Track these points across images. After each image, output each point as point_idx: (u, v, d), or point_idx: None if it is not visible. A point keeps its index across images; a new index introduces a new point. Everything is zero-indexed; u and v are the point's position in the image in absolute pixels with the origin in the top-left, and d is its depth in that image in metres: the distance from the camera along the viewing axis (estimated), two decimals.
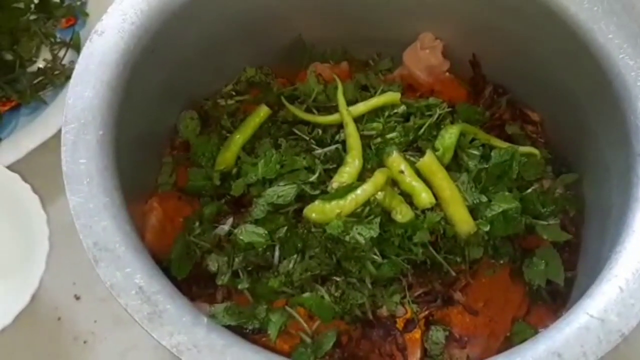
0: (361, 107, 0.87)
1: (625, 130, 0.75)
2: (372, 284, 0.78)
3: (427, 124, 0.86)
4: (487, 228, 0.78)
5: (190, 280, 0.81)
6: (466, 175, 0.82)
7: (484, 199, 0.80)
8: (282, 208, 0.80)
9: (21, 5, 1.12)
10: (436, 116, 0.88)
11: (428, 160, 0.80)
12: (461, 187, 0.81)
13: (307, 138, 0.87)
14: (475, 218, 0.80)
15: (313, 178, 0.81)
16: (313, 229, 0.78)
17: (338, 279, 0.78)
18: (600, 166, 0.82)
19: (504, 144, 0.87)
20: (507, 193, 0.81)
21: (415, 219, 0.78)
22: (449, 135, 0.84)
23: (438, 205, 0.80)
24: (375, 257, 0.77)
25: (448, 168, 0.82)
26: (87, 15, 1.15)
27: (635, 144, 0.74)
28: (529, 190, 0.84)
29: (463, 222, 0.79)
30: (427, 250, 0.78)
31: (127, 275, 0.66)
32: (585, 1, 0.79)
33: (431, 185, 0.80)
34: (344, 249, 0.76)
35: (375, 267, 0.77)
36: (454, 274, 0.80)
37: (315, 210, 0.78)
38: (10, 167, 0.94)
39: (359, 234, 0.75)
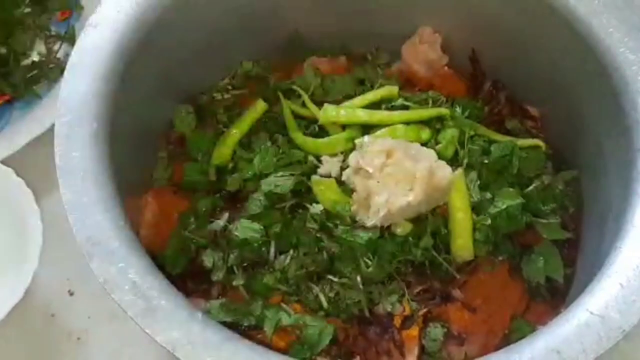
0: (359, 101, 0.87)
1: (626, 125, 0.74)
2: (367, 283, 0.77)
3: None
4: (488, 222, 0.78)
5: (185, 276, 0.81)
6: (475, 173, 0.82)
7: (488, 195, 0.80)
8: (278, 203, 0.79)
9: None
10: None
11: (456, 177, 0.80)
12: (469, 184, 0.80)
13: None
14: (478, 215, 0.80)
15: (306, 167, 0.82)
16: (307, 224, 0.77)
17: (333, 278, 0.78)
18: (600, 161, 0.82)
19: (505, 138, 0.86)
20: (510, 189, 0.80)
21: (414, 229, 0.77)
22: (451, 129, 0.84)
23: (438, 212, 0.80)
24: (367, 260, 0.76)
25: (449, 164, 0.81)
26: (82, 8, 1.14)
27: (635, 139, 0.73)
28: (530, 188, 0.83)
29: (464, 248, 0.79)
30: (427, 252, 0.78)
31: (121, 271, 0.65)
32: None
33: (448, 201, 0.80)
34: (339, 248, 0.76)
35: (367, 267, 0.76)
36: (456, 275, 0.80)
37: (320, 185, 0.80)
38: (3, 162, 0.94)
39: (355, 235, 0.75)
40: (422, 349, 0.79)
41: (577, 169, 0.88)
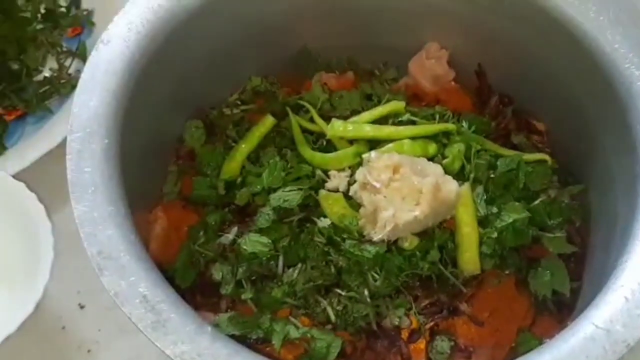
0: (366, 116, 0.87)
1: (631, 139, 0.75)
2: (374, 297, 0.78)
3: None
4: (495, 236, 0.78)
5: (195, 290, 0.81)
6: (481, 187, 0.82)
7: (495, 209, 0.80)
8: (286, 217, 0.80)
9: (28, 14, 1.13)
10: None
11: (463, 192, 0.80)
12: (476, 198, 0.81)
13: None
14: (484, 229, 0.80)
15: (314, 182, 0.82)
16: (315, 239, 0.78)
17: (341, 291, 0.78)
18: (606, 175, 0.82)
19: (511, 152, 0.87)
20: (516, 203, 0.81)
21: (421, 243, 0.78)
22: (458, 144, 0.84)
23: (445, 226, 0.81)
24: (374, 274, 0.77)
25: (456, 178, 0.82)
26: (93, 24, 1.15)
27: None
28: (537, 202, 0.83)
29: (470, 262, 0.79)
30: (434, 266, 0.78)
31: (132, 284, 0.66)
32: (591, 11, 0.79)
33: (455, 215, 0.80)
34: (346, 262, 0.77)
35: (374, 281, 0.77)
36: (463, 289, 0.80)
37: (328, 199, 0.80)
38: (16, 176, 0.94)
39: (363, 249, 0.76)
40: None
41: (583, 183, 0.88)
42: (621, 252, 0.70)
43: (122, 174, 0.73)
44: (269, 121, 0.89)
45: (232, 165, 0.87)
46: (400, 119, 0.87)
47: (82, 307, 0.96)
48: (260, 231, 0.79)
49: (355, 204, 0.79)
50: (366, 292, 0.77)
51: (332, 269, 0.77)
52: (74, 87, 1.00)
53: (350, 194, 0.80)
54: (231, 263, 0.80)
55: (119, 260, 0.67)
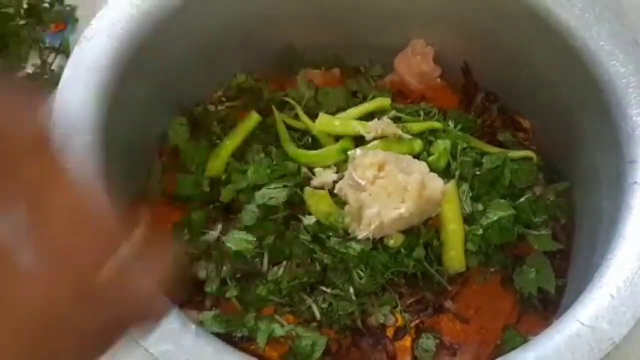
0: (352, 113, 0.87)
1: (616, 136, 0.75)
2: (359, 294, 0.78)
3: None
4: (480, 233, 0.78)
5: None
6: (467, 185, 0.82)
7: (480, 207, 0.80)
8: (271, 214, 0.80)
9: (10, 10, 1.11)
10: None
11: (449, 189, 0.80)
12: (461, 195, 0.81)
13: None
14: (470, 226, 0.80)
15: (299, 179, 0.82)
16: (300, 236, 0.78)
17: (326, 289, 0.78)
18: (591, 173, 0.82)
19: (497, 149, 0.87)
20: (502, 200, 0.81)
21: (407, 241, 0.78)
22: (444, 141, 0.84)
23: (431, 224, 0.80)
24: (360, 271, 0.77)
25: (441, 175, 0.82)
26: (76, 20, 1.14)
27: (625, 150, 0.74)
28: (522, 199, 0.84)
29: (456, 260, 0.79)
30: (419, 264, 0.78)
31: None
32: (576, 8, 0.79)
33: (440, 213, 0.80)
34: (332, 259, 0.76)
35: (360, 279, 0.77)
36: (448, 286, 0.80)
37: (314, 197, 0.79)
38: None
39: (348, 246, 0.76)
40: (415, 359, 0.79)
41: (568, 181, 0.88)
42: (606, 249, 0.70)
43: (105, 171, 0.72)
44: (254, 118, 0.89)
45: (217, 162, 0.86)
46: (385, 116, 0.87)
47: None
48: (245, 229, 0.79)
49: (340, 202, 0.79)
50: (351, 290, 0.77)
51: (317, 267, 0.77)
52: (56, 83, 1.00)
53: (335, 191, 0.80)
54: (216, 261, 0.80)
55: None
